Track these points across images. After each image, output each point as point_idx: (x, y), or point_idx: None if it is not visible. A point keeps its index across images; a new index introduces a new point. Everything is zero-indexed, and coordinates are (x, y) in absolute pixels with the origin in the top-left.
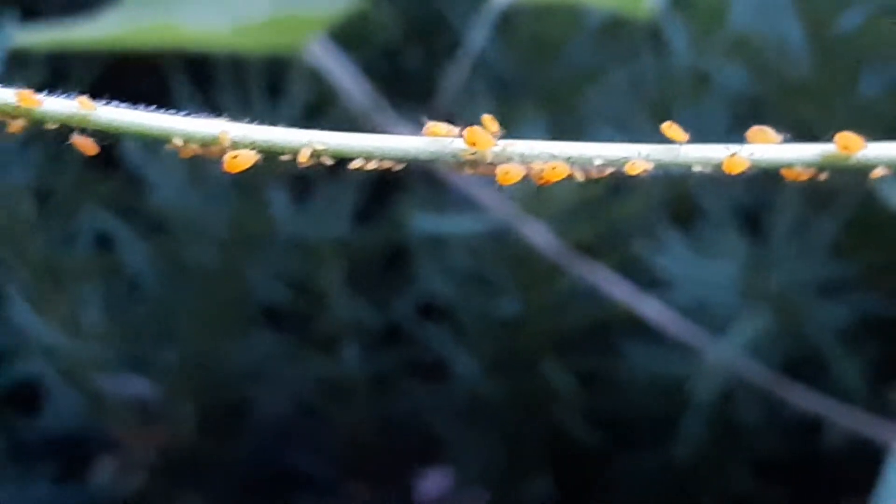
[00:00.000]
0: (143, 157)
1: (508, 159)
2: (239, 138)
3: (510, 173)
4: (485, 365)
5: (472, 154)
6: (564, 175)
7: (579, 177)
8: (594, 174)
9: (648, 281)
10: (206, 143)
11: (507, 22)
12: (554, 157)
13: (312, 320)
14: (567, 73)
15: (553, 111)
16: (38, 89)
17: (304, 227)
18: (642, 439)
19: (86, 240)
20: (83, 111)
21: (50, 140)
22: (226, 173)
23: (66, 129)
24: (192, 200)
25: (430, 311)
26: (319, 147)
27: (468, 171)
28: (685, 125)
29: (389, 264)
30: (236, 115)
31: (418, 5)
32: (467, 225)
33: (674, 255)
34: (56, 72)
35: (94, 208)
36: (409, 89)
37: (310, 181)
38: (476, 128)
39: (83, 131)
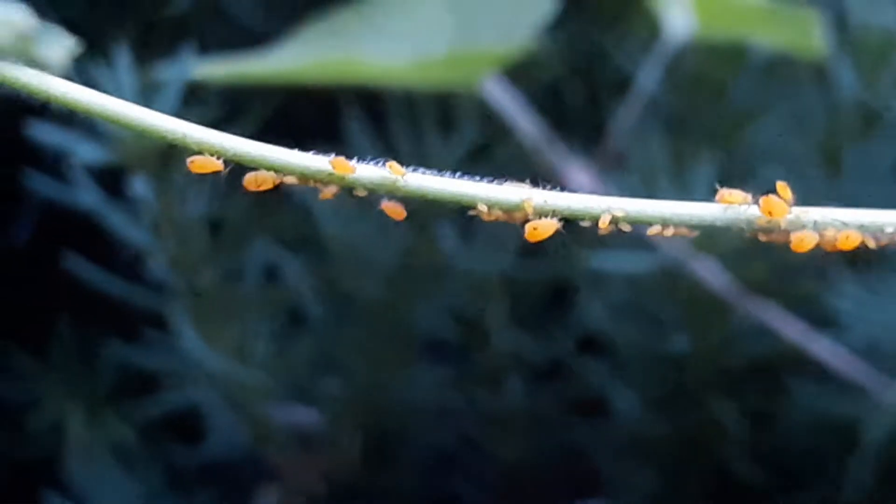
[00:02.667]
0: (311, 190)
1: (802, 227)
2: (540, 205)
3: (804, 241)
4: (647, 400)
5: (767, 222)
6: (857, 243)
7: (870, 244)
8: (884, 241)
9: (820, 320)
10: (510, 209)
11: (673, 59)
12: (846, 224)
13: (475, 353)
14: (733, 111)
15: (720, 149)
16: (214, 123)
17: (471, 261)
18: (807, 479)
19: (255, 271)
20: (393, 177)
21: (226, 178)
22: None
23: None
24: (359, 233)
25: (592, 345)
26: (618, 213)
27: (761, 237)
28: (853, 163)
29: (553, 298)
30: (407, 150)
31: (582, 42)
32: (636, 262)
33: (847, 295)
34: (233, 104)
35: (264, 240)
36: (575, 127)
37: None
38: (771, 196)
39: (393, 197)
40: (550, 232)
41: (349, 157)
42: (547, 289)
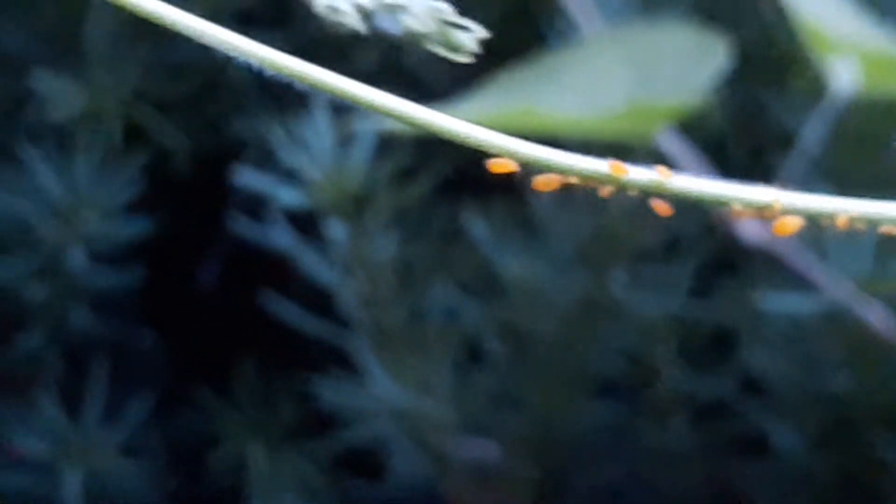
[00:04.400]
0: (489, 232)
1: None
2: (787, 205)
3: None
4: (809, 439)
5: None
6: None
7: None
8: None
9: None
10: (760, 208)
11: (837, 115)
12: None
13: (644, 391)
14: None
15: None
16: (405, 173)
17: (642, 303)
18: None
19: (438, 310)
20: (661, 179)
21: (411, 219)
22: (566, 244)
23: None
24: (536, 274)
25: (756, 384)
26: (855, 215)
27: None
28: None
29: (719, 338)
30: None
31: (748, 97)
32: (801, 304)
33: None
34: (422, 152)
35: (447, 281)
36: (742, 178)
37: (647, 258)
38: None
39: (660, 196)
40: (795, 228)
41: None
42: (713, 329)
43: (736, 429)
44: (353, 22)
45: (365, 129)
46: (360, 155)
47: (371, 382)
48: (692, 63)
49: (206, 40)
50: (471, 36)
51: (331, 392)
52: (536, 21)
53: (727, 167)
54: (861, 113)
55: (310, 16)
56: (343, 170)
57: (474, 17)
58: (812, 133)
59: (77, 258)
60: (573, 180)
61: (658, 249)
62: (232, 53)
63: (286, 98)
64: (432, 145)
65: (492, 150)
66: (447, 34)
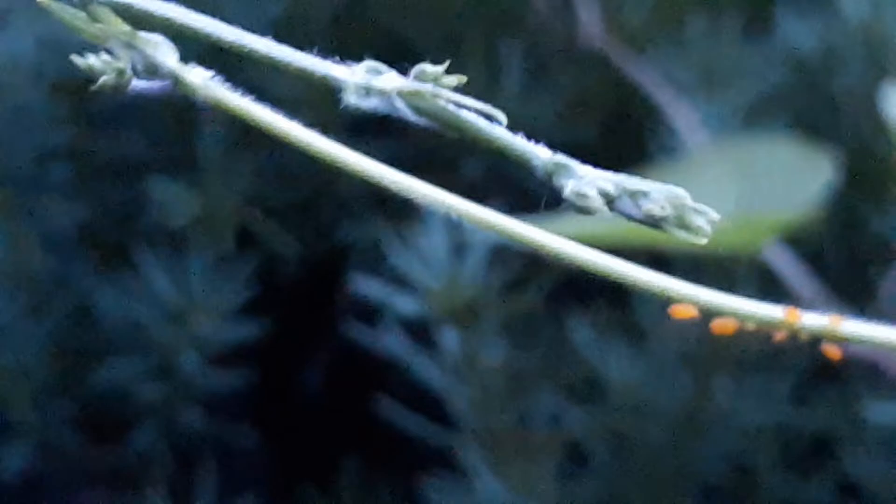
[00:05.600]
0: (594, 339)
1: None
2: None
3: None
4: None
5: None
6: None
7: None
8: None
9: None
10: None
11: None
12: None
13: (746, 498)
14: None
15: None
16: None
17: (744, 410)
18: None
19: (544, 414)
20: (832, 326)
21: (520, 326)
22: (670, 352)
23: None
24: (640, 380)
25: (857, 492)
26: None
27: None
28: None
29: (822, 445)
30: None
31: (849, 211)
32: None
33: None
34: (533, 261)
35: (553, 385)
36: (846, 289)
37: (748, 365)
38: None
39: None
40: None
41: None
42: (815, 436)
43: None
44: (598, 205)
45: (478, 238)
46: (473, 264)
47: (478, 486)
48: (798, 177)
49: (313, 151)
50: (705, 219)
51: (439, 494)
52: (639, 134)
53: (830, 279)
54: None
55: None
56: (457, 279)
57: (578, 130)
58: None
59: (189, 360)
60: (750, 326)
61: (761, 357)
62: (338, 166)
63: (398, 205)
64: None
65: (594, 269)
66: (684, 217)
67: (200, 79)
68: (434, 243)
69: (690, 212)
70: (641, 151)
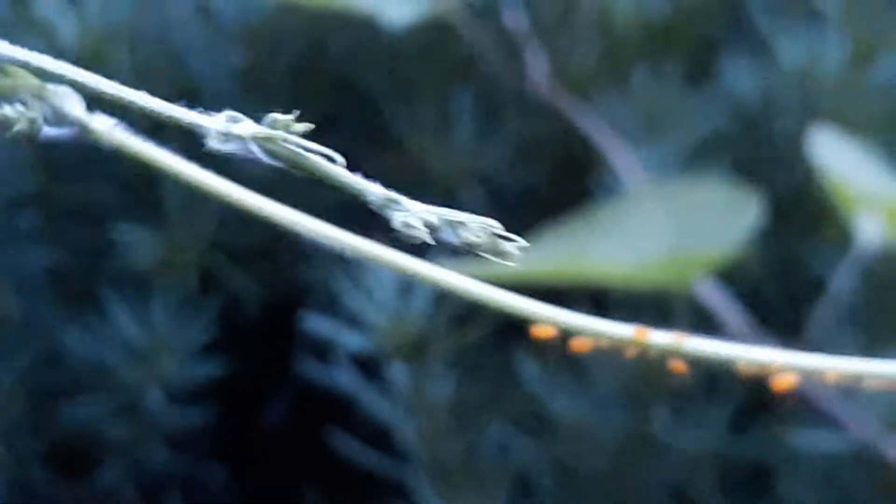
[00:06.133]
0: (539, 373)
1: None
2: (786, 364)
3: None
4: None
5: None
6: None
7: None
8: None
9: None
10: (762, 367)
11: (864, 264)
12: None
13: None
14: None
15: None
16: (461, 319)
17: (682, 439)
18: None
19: (492, 446)
20: (678, 342)
21: (467, 361)
22: (612, 384)
23: None
24: (582, 411)
25: None
26: (866, 373)
27: None
28: None
29: (757, 473)
30: None
31: (780, 247)
32: (832, 442)
33: None
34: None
35: (500, 419)
36: (775, 324)
37: (687, 397)
38: None
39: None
40: (792, 384)
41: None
42: (751, 464)
43: None
44: (423, 235)
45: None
46: (420, 302)
47: None
48: (729, 216)
49: (266, 216)
50: (514, 245)
51: None
52: (584, 177)
53: (763, 313)
54: (887, 263)
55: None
56: (404, 316)
57: (526, 174)
58: (841, 282)
59: (154, 398)
60: (603, 343)
61: (697, 389)
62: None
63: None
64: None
65: (523, 314)
66: (496, 244)
67: (104, 126)
68: (382, 283)
69: (501, 240)
70: (586, 194)
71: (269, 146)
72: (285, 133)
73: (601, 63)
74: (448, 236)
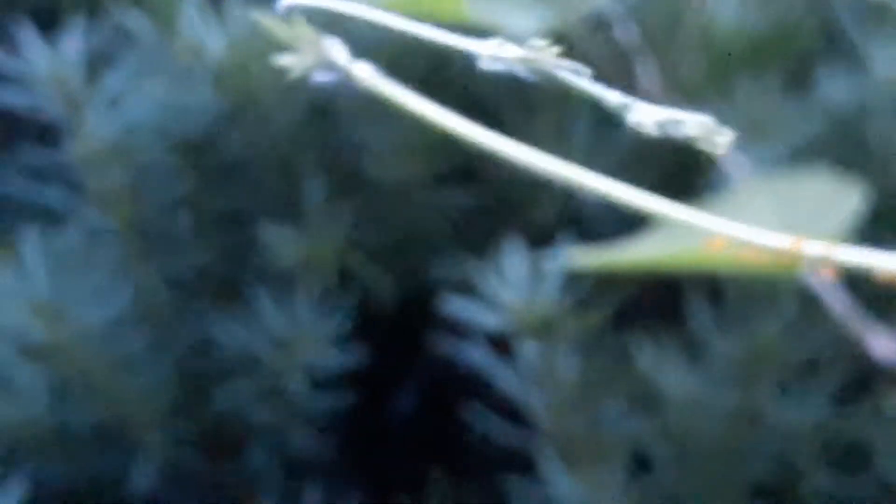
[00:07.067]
0: (654, 353)
1: None
2: None
3: None
4: None
5: None
6: None
7: None
8: None
9: None
10: None
11: None
12: None
13: (790, 494)
14: None
15: None
16: (586, 303)
17: (788, 414)
18: None
19: (612, 420)
20: (827, 253)
21: (591, 342)
22: (723, 365)
23: None
24: (694, 388)
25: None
26: None
27: None
28: None
29: (857, 448)
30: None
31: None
32: None
33: None
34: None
35: (619, 395)
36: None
37: (794, 374)
38: None
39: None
40: None
41: None
42: (854, 439)
43: None
44: (653, 129)
45: (553, 266)
46: (549, 285)
47: (554, 484)
48: (832, 206)
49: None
50: (725, 137)
51: (519, 492)
52: (694, 179)
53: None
54: None
55: (496, 175)
56: (535, 299)
57: (639, 176)
58: None
59: (297, 384)
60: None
61: (803, 366)
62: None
63: (479, 243)
64: (608, 280)
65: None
66: (710, 136)
67: (365, 73)
68: (515, 268)
69: (713, 131)
70: (696, 195)
71: (530, 65)
72: (541, 54)
73: (706, 74)
74: (671, 130)
